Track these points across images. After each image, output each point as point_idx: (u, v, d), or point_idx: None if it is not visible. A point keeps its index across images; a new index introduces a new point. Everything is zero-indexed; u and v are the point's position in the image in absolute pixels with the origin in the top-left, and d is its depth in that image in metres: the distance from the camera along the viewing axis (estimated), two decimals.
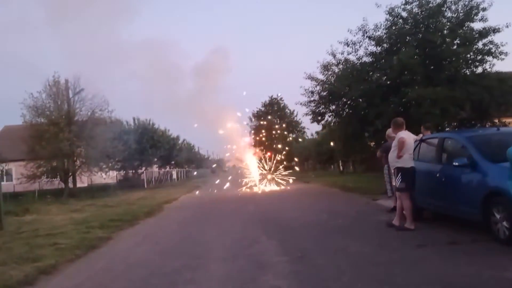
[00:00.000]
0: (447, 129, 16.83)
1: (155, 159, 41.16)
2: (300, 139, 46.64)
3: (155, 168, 45.30)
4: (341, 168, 38.32)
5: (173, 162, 48.78)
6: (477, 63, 16.71)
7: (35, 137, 25.92)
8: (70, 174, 27.44)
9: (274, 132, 28.26)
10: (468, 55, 16.39)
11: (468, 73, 16.70)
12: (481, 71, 16.68)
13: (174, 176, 54.04)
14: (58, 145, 25.09)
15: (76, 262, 7.33)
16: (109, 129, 28.79)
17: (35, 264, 6.81)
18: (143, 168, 40.16)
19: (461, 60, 16.26)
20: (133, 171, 39.64)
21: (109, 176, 36.40)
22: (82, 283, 5.94)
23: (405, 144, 7.90)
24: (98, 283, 5.93)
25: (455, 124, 17.79)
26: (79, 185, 29.59)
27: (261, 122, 46.77)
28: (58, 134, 25.27)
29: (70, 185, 27.73)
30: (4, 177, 31.64)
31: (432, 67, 16.62)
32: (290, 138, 40.53)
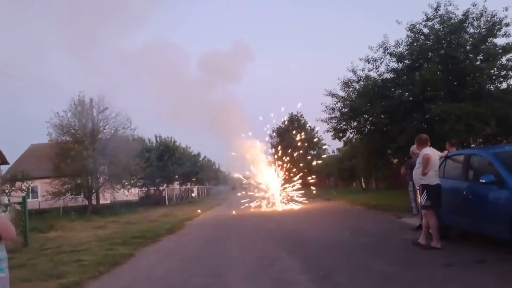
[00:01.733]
0: (472, 145, 16.52)
1: (177, 176, 41.47)
2: (324, 155, 46.15)
3: (176, 185, 45.60)
4: (363, 185, 37.87)
5: (194, 179, 49.04)
6: (501, 79, 16.43)
7: (60, 155, 26.52)
8: (93, 191, 27.85)
9: (294, 150, 28.13)
10: (492, 71, 16.12)
11: (492, 89, 16.41)
12: (506, 86, 16.40)
13: (195, 193, 54.26)
14: (83, 163, 25.57)
15: (100, 279, 7.38)
16: (131, 147, 29.23)
17: (59, 281, 6.88)
18: (165, 185, 40.48)
19: (485, 76, 15.99)
20: (155, 188, 39.98)
21: (131, 193, 36.77)
22: None
23: (430, 161, 7.77)
24: None
25: (480, 140, 17.45)
26: (102, 202, 29.99)
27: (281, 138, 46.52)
28: (83, 152, 25.77)
29: (94, 202, 28.12)
30: (30, 194, 32.21)
31: (455, 83, 16.40)
32: (309, 157, 40.27)
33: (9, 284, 3.21)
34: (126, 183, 30.15)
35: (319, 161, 38.23)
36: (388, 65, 18.08)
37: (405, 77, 17.20)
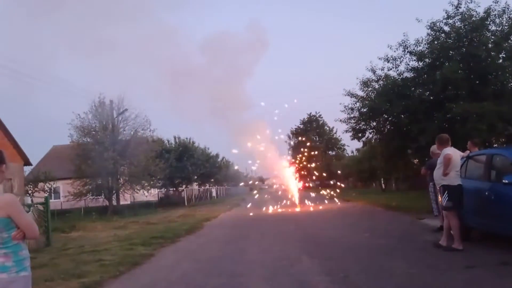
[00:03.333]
0: (495, 145, 16.21)
1: (195, 177, 41.73)
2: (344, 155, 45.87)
3: (195, 186, 45.89)
4: (383, 186, 37.49)
5: (212, 180, 49.27)
6: None
7: (81, 156, 26.97)
8: (113, 192, 28.23)
9: (311, 151, 28.01)
10: None
11: None
12: None
13: (214, 193, 54.51)
14: (103, 164, 25.94)
15: (120, 278, 7.46)
16: (151, 148, 29.55)
17: (80, 280, 6.98)
18: (184, 186, 40.77)
19: (507, 74, 15.70)
20: (174, 189, 40.30)
21: (150, 194, 37.17)
22: None
23: (451, 161, 7.64)
24: None
25: (503, 140, 17.11)
26: (122, 202, 30.38)
27: (300, 138, 46.35)
28: (103, 153, 26.15)
29: (114, 202, 28.49)
30: (52, 195, 32.84)
31: (477, 82, 16.13)
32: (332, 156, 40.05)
33: (32, 283, 3.26)
34: (146, 184, 30.49)
35: (341, 161, 37.90)
36: (408, 64, 17.91)
37: (425, 76, 17.01)
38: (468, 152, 8.91)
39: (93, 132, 27.77)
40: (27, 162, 25.20)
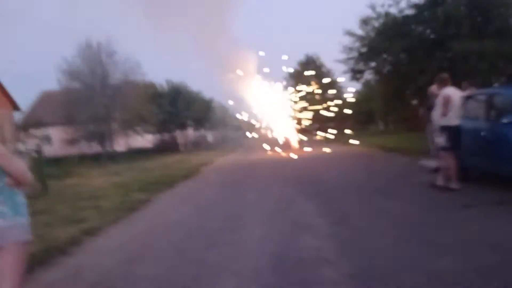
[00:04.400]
0: (495, 84, 16.03)
1: (190, 122, 41.53)
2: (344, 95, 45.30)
3: (190, 131, 45.77)
4: (381, 127, 37.43)
5: (208, 125, 49.15)
6: None
7: (71, 101, 26.55)
8: (107, 137, 28.08)
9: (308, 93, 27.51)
10: None
11: None
12: None
13: (210, 138, 54.55)
14: (94, 109, 25.61)
15: (119, 223, 7.49)
16: (142, 92, 29.13)
17: (79, 226, 6.99)
18: (178, 131, 40.63)
19: (510, 11, 15.23)
20: (169, 134, 40.18)
21: (145, 140, 37.10)
22: (125, 243, 6.07)
23: (450, 101, 7.52)
24: (141, 243, 6.05)
25: (503, 79, 16.89)
26: (117, 149, 30.32)
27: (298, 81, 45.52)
28: (94, 98, 25.75)
29: (108, 148, 28.43)
30: (45, 142, 32.68)
31: (479, 19, 15.67)
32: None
33: (32, 229, 3.21)
34: (139, 129, 30.32)
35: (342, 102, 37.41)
36: (410, 0, 17.27)
37: (426, 13, 16.46)
38: (467, 92, 8.75)
39: (82, 77, 27.17)
40: (16, 107, 24.77)
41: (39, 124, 29.09)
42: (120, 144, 31.52)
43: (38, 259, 5.07)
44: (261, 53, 24.26)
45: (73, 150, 28.76)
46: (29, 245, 3.21)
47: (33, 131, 28.39)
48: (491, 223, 5.27)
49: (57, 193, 11.57)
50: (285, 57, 27.42)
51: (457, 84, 9.08)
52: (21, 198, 3.11)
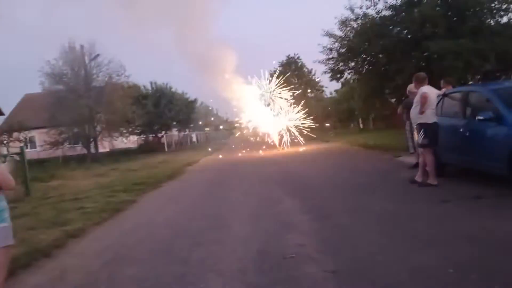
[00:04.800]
0: (470, 82, 16.39)
1: (174, 123, 41.41)
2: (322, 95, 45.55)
3: (174, 132, 45.64)
4: (361, 125, 37.96)
5: (192, 125, 49.04)
6: (502, 13, 16.05)
7: (55, 104, 26.30)
8: (91, 139, 27.89)
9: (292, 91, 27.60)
10: (493, 5, 15.70)
11: (492, 24, 16.05)
12: (507, 20, 16.03)
13: (194, 138, 54.44)
14: (78, 111, 25.42)
15: (103, 225, 7.51)
16: (127, 94, 28.99)
17: (63, 228, 6.98)
18: (163, 132, 40.51)
19: (485, 10, 15.60)
20: (153, 135, 40.03)
21: (130, 141, 36.88)
22: (110, 244, 6.09)
23: (427, 100, 7.72)
24: (126, 244, 6.07)
25: (479, 77, 17.29)
26: (101, 150, 30.11)
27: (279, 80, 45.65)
28: (78, 100, 25.55)
29: (93, 150, 28.22)
30: (28, 145, 32.30)
31: (454, 19, 16.02)
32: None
33: (14, 232, 3.25)
34: (124, 131, 30.19)
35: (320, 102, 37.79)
36: (387, 2, 17.59)
37: (403, 14, 16.79)
38: (444, 90, 8.98)
39: (65, 79, 26.95)
40: None
41: (22, 127, 28.74)
42: (104, 146, 31.31)
43: (21, 263, 5.08)
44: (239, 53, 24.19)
45: (57, 153, 28.49)
46: (12, 249, 3.26)
47: (16, 135, 28.04)
48: (468, 217, 5.44)
49: (41, 195, 11.49)
50: (277, 60, 27.48)
51: (434, 82, 9.32)
52: (3, 204, 3.15)
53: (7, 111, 35.09)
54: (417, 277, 3.74)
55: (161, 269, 4.74)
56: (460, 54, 14.42)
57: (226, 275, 4.33)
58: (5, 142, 27.50)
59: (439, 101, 8.44)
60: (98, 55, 27.74)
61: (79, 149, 29.48)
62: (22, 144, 23.48)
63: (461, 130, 7.60)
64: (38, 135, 33.67)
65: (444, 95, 8.69)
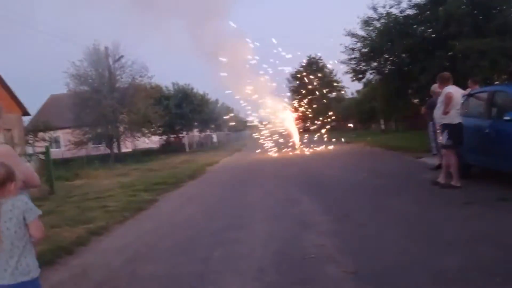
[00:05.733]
0: (496, 82, 16.03)
1: (196, 123, 41.71)
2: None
3: (196, 132, 45.95)
4: (382, 126, 37.53)
5: (213, 126, 49.31)
6: None
7: (79, 105, 26.81)
8: (114, 139, 28.31)
9: (311, 94, 27.49)
10: None
11: None
12: None
13: (215, 139, 54.68)
14: (102, 112, 25.84)
15: (125, 223, 7.62)
16: (149, 95, 29.33)
17: (86, 226, 7.11)
18: (184, 133, 40.83)
19: None
20: (175, 136, 40.40)
21: (151, 141, 37.30)
22: (131, 242, 6.17)
23: (452, 99, 7.57)
24: (147, 242, 6.14)
25: (505, 77, 16.89)
26: (123, 150, 30.56)
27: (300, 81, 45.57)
28: (101, 101, 25.99)
29: (115, 150, 28.65)
30: (53, 144, 33.00)
31: (480, 17, 15.69)
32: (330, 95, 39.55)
33: None
34: (146, 131, 30.55)
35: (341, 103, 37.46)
36: (411, 0, 17.33)
37: (428, 12, 16.52)
38: (469, 90, 8.80)
39: (90, 80, 27.44)
40: (25, 113, 25.11)
41: (47, 127, 29.39)
42: (127, 146, 31.75)
43: (45, 259, 5.18)
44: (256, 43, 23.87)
45: (81, 152, 29.04)
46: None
47: (42, 134, 28.68)
48: (492, 220, 5.32)
49: (65, 194, 11.72)
50: (288, 56, 27.31)
51: (458, 82, 9.15)
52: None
53: (33, 111, 35.87)
54: (439, 280, 3.68)
55: (181, 268, 4.77)
56: (485, 53, 14.10)
57: (246, 274, 4.34)
58: (30, 141, 28.13)
59: (463, 101, 8.27)
60: (122, 56, 28.19)
61: (103, 149, 29.97)
62: (47, 144, 23.98)
63: (486, 130, 7.43)
64: (63, 135, 34.38)
65: (469, 95, 8.52)
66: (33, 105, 40.37)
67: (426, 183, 8.25)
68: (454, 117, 7.64)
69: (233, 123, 60.23)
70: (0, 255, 2.60)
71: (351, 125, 39.11)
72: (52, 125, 30.41)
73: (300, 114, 24.71)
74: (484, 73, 13.98)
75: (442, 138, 7.91)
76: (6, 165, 2.74)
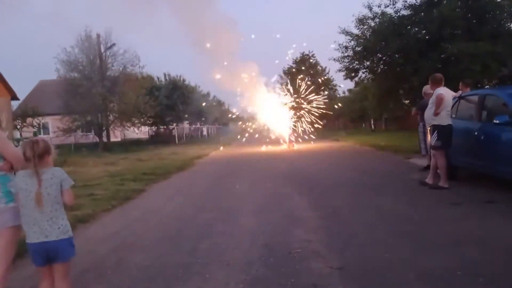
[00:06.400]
0: (486, 86, 16.20)
1: (186, 115, 41.55)
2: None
3: (186, 124, 45.79)
4: (372, 126, 37.75)
5: (203, 119, 49.19)
6: None
7: (69, 91, 26.54)
8: (103, 128, 28.11)
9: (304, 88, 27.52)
10: None
11: None
12: None
13: (205, 132, 54.61)
14: (92, 100, 25.62)
15: (112, 212, 7.58)
16: (140, 85, 29.14)
17: (73, 213, 7.02)
18: (174, 124, 40.67)
19: (505, 14, 15.39)
20: (165, 127, 40.23)
21: (141, 131, 37.12)
22: (118, 231, 6.14)
23: (443, 101, 7.64)
24: (134, 232, 6.11)
25: (495, 81, 17.08)
26: (112, 139, 30.36)
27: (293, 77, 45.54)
28: (91, 89, 25.75)
29: (104, 139, 28.45)
30: (41, 130, 32.66)
31: (474, 21, 15.84)
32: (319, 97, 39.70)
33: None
34: (136, 121, 30.37)
35: (337, 104, 37.57)
36: (406, 1, 17.42)
37: (422, 14, 16.63)
38: (460, 92, 8.88)
39: (80, 67, 27.16)
40: (14, 97, 24.80)
41: (36, 113, 29.07)
42: (116, 135, 31.55)
43: None
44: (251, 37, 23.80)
45: (70, 140, 28.80)
46: (20, 230, 3.30)
47: (30, 120, 28.37)
48: (479, 222, 5.39)
49: None
50: (290, 53, 27.28)
51: (450, 84, 9.22)
52: (13, 183, 3.20)
53: (22, 96, 35.49)
54: (423, 277, 3.71)
55: (168, 258, 4.76)
56: (477, 57, 14.25)
57: (232, 266, 4.34)
58: (18, 127, 27.81)
59: (454, 103, 8.34)
60: (114, 44, 27.92)
61: (91, 137, 29.75)
62: (35, 130, 23.74)
63: (476, 133, 7.50)
64: (52, 122, 34.02)
65: (460, 97, 8.59)
66: (22, 90, 39.91)
67: (415, 183, 8.33)
68: (445, 119, 7.71)
69: (223, 117, 60.18)
70: (41, 216, 3.02)
71: (340, 124, 39.21)
72: (41, 111, 30.05)
73: (291, 110, 24.70)
74: (476, 77, 14.13)
75: (431, 139, 7.98)
76: (44, 140, 3.21)
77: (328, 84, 54.84)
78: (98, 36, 27.67)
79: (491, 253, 4.20)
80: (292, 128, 23.93)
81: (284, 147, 22.05)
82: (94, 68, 27.26)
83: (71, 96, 26.47)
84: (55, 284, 3.16)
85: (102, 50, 27.96)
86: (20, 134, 25.93)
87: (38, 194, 2.99)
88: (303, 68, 30.58)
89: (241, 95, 25.46)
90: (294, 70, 50.11)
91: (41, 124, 32.13)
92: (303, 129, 23.84)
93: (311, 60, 55.17)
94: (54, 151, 3.26)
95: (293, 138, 23.19)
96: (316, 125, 23.83)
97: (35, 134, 12.94)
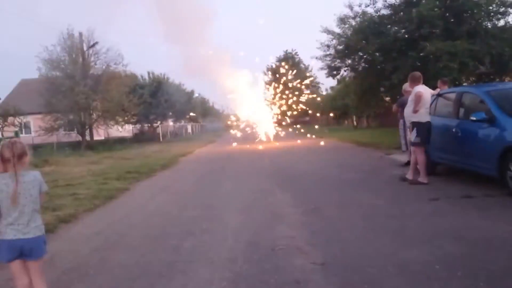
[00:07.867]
0: (464, 84, 16.50)
1: (170, 113, 41.35)
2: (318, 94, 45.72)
3: (170, 122, 45.54)
4: (355, 123, 38.08)
5: (188, 117, 48.99)
6: (499, 16, 16.16)
7: (51, 90, 26.21)
8: (86, 127, 27.84)
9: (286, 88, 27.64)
10: (490, 7, 15.77)
11: (489, 26, 16.16)
12: (503, 24, 16.15)
13: (189, 130, 54.40)
14: (74, 98, 25.36)
15: (95, 211, 7.55)
16: (124, 83, 28.92)
17: (55, 213, 7.00)
18: (158, 122, 40.44)
19: (482, 13, 15.68)
20: (149, 125, 39.97)
21: (125, 130, 36.83)
22: (101, 231, 6.12)
23: (422, 99, 7.79)
24: (117, 231, 6.10)
25: (473, 79, 17.40)
26: (96, 138, 30.08)
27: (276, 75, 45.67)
28: (74, 87, 25.48)
29: (87, 137, 28.18)
30: (23, 130, 32.18)
31: (452, 20, 16.11)
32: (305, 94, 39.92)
33: None
34: (120, 120, 30.13)
35: (317, 98, 37.69)
36: (386, 1, 17.64)
37: (402, 13, 16.85)
38: (438, 90, 9.07)
39: (63, 66, 26.83)
40: None
41: (17, 112, 28.62)
42: (99, 133, 31.26)
43: None
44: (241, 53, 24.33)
45: (52, 139, 28.43)
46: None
47: (11, 119, 27.92)
48: (456, 216, 5.52)
49: None
50: (276, 54, 27.40)
51: (429, 82, 9.40)
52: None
53: (2, 95, 34.92)
54: (403, 271, 3.81)
55: (151, 256, 4.79)
56: (455, 55, 14.50)
57: (216, 264, 4.38)
58: (0, 126, 27.36)
59: (433, 101, 8.51)
60: (96, 43, 27.67)
61: (74, 136, 29.42)
62: (16, 129, 23.39)
63: (454, 130, 7.69)
64: (34, 121, 33.55)
65: (438, 95, 8.78)
66: (3, 89, 39.25)
67: (395, 178, 8.50)
68: (424, 116, 7.88)
69: (208, 114, 59.96)
70: (22, 216, 3.15)
71: (323, 121, 39.44)
72: (22, 110, 29.59)
73: (275, 107, 24.85)
74: (454, 75, 14.38)
75: (411, 136, 8.14)
76: (21, 141, 3.38)
77: (310, 82, 55.14)
78: (81, 34, 27.38)
79: (468, 247, 4.32)
80: (275, 123, 24.05)
81: (266, 144, 22.11)
82: (77, 66, 26.95)
83: (53, 95, 26.14)
84: (33, 283, 3.27)
85: (85, 48, 27.67)
86: (2, 134, 25.48)
87: (14, 193, 3.11)
88: (286, 66, 30.68)
89: (223, 92, 25.50)
90: (275, 66, 50.27)
91: (23, 124, 31.64)
92: (285, 123, 23.97)
93: (294, 57, 55.42)
94: (30, 152, 3.40)
95: (274, 134, 23.31)
96: (299, 123, 24.01)
97: (16, 134, 12.75)
